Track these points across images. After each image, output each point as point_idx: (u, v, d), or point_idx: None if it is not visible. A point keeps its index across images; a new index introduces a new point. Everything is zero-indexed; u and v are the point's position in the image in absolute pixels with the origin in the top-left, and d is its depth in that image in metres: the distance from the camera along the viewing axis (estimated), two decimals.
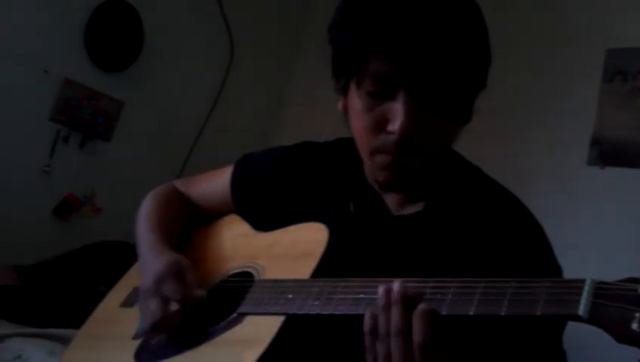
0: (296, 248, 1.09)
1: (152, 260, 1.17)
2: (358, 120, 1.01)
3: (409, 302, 0.81)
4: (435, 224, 1.04)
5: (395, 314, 0.81)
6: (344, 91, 1.04)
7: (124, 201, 2.38)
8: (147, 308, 1.10)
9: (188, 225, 1.36)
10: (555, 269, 0.99)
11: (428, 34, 0.91)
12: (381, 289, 0.83)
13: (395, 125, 0.95)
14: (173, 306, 1.07)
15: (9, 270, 2.62)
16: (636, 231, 2.44)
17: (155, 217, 1.31)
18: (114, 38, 3.07)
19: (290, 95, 3.76)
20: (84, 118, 3.04)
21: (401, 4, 0.93)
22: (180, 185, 1.43)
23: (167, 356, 1.08)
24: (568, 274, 0.97)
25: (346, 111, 1.06)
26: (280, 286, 1.01)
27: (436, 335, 0.80)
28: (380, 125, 0.98)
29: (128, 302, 1.32)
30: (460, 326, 0.88)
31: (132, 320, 1.23)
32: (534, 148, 2.81)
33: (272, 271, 1.10)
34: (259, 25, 3.56)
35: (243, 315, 1.03)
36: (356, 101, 1.01)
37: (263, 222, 1.22)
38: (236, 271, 1.17)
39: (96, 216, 3.13)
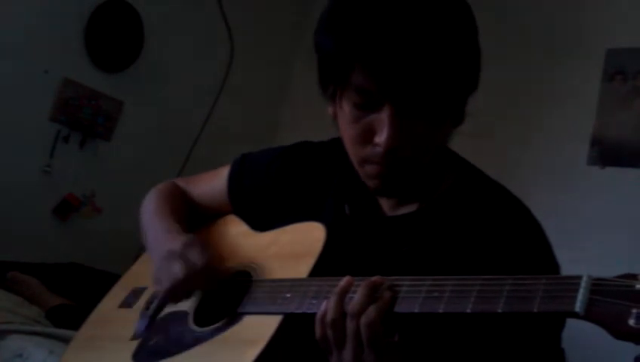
0: (294, 247, 1.09)
1: (172, 238, 1.19)
2: (346, 129, 1.01)
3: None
4: (429, 223, 1.04)
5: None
6: (332, 98, 1.02)
7: (124, 201, 2.39)
8: (168, 270, 1.11)
9: (190, 221, 1.36)
10: (554, 267, 0.99)
11: (411, 48, 0.89)
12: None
13: (381, 137, 0.94)
14: (197, 269, 1.10)
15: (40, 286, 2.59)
16: (636, 231, 2.44)
17: (164, 208, 1.32)
18: (114, 38, 3.07)
19: (290, 95, 3.76)
20: (84, 118, 3.04)
21: (385, 14, 0.91)
22: (180, 183, 1.43)
23: (165, 356, 1.08)
24: (567, 273, 0.97)
25: (335, 116, 1.04)
26: (278, 286, 1.01)
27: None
28: (366, 136, 0.97)
29: (127, 303, 1.33)
30: (458, 325, 0.88)
31: (130, 321, 1.24)
32: (534, 148, 2.81)
33: (270, 270, 1.10)
34: (259, 25, 3.56)
35: (241, 315, 1.03)
36: (343, 110, 1.00)
37: (261, 222, 1.22)
38: (235, 270, 1.17)
39: (96, 216, 3.13)
